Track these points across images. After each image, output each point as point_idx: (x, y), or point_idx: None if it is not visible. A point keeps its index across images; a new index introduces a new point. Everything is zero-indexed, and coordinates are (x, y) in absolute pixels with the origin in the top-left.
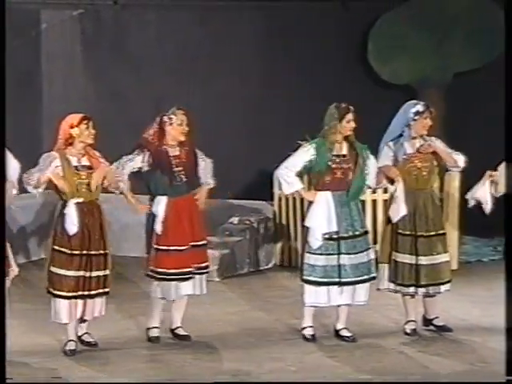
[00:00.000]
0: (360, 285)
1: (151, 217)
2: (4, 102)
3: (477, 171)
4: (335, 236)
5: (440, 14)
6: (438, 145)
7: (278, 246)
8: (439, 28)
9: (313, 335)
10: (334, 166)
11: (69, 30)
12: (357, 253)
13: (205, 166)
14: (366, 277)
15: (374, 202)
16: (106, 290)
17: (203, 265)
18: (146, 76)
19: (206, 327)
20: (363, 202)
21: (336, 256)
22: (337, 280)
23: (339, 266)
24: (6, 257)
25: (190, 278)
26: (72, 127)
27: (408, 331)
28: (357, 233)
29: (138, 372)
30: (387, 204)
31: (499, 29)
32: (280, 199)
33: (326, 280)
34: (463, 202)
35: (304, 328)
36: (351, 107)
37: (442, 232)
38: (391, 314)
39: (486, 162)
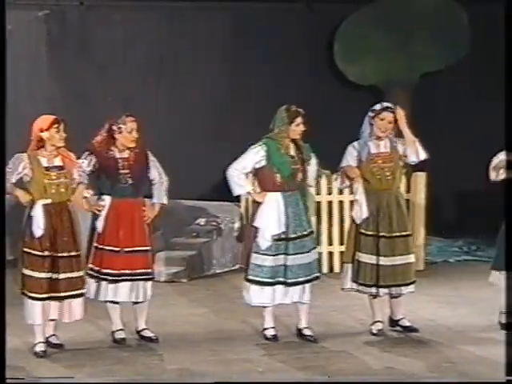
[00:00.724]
0: (306, 284)
1: (95, 215)
2: (4, 101)
3: (443, 171)
4: (284, 236)
5: (406, 14)
6: (402, 147)
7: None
8: (405, 29)
9: (274, 335)
10: (291, 167)
11: (34, 31)
12: (304, 252)
13: (160, 183)
14: (310, 277)
15: (341, 202)
16: (79, 291)
17: (141, 271)
18: (113, 77)
19: (172, 328)
20: (330, 202)
21: (284, 256)
22: (283, 280)
23: (286, 266)
24: None
25: (123, 281)
26: (42, 131)
27: (374, 332)
28: (305, 233)
29: (104, 373)
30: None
31: (464, 29)
32: (247, 200)
33: (272, 280)
34: (429, 202)
35: (265, 329)
36: (301, 110)
37: (405, 233)
38: (357, 315)
39: (451, 162)
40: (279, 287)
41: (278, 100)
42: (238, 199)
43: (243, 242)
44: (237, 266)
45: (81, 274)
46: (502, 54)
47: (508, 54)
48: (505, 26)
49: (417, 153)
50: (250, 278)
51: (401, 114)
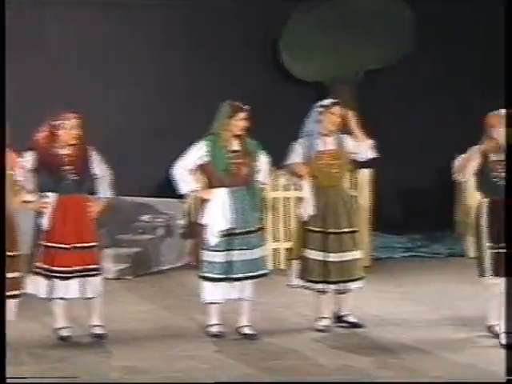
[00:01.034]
0: (250, 280)
1: (39, 214)
2: (4, 102)
3: (387, 167)
4: (230, 232)
5: (351, 12)
6: (349, 143)
7: (190, 243)
8: (350, 26)
9: (220, 332)
10: (230, 162)
11: None
12: (250, 248)
13: (104, 178)
14: (257, 272)
15: (287, 199)
16: (14, 292)
17: (91, 266)
18: (63, 74)
19: (119, 325)
20: (275, 199)
21: (230, 252)
22: (230, 276)
23: (232, 261)
24: None
25: (74, 277)
26: None
27: (320, 328)
28: (251, 229)
29: (47, 372)
30: (299, 201)
31: (408, 27)
32: (191, 197)
33: (224, 276)
34: (374, 199)
35: (210, 326)
36: (246, 107)
37: (353, 229)
38: (303, 311)
39: (396, 159)
40: (228, 283)
41: (224, 98)
42: (183, 196)
43: (194, 240)
44: (182, 263)
45: (16, 274)
46: (445, 51)
47: (508, 56)
48: (505, 26)
49: (367, 151)
50: (203, 274)
51: (350, 114)
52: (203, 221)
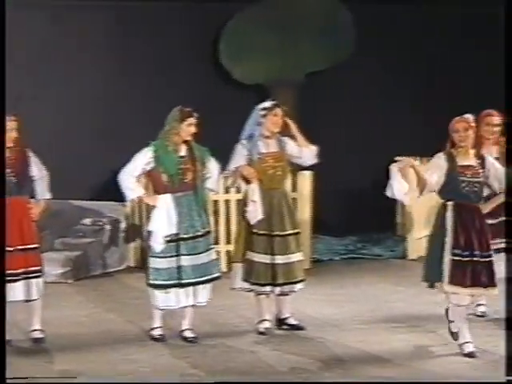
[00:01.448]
0: (201, 285)
1: None
2: (4, 102)
3: (328, 169)
4: (176, 238)
5: (292, 14)
6: (291, 145)
7: (132, 247)
8: (291, 28)
9: (162, 336)
10: (178, 167)
11: None
12: (198, 253)
13: (42, 179)
14: (207, 277)
15: (228, 201)
16: None
17: (34, 268)
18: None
19: (59, 329)
20: (216, 201)
21: (177, 257)
22: (179, 281)
23: (180, 267)
24: None
25: (20, 280)
26: None
27: (261, 330)
28: (198, 233)
29: None
30: (241, 203)
31: (349, 30)
32: (133, 200)
33: (171, 282)
34: (315, 201)
35: (153, 329)
36: (195, 113)
37: (296, 231)
38: (245, 314)
39: (336, 161)
40: (181, 289)
41: (164, 99)
42: (124, 199)
43: (137, 243)
44: (124, 266)
45: None
46: (386, 52)
47: (508, 56)
48: (505, 26)
49: (310, 157)
50: (151, 282)
51: (290, 122)
52: (149, 227)
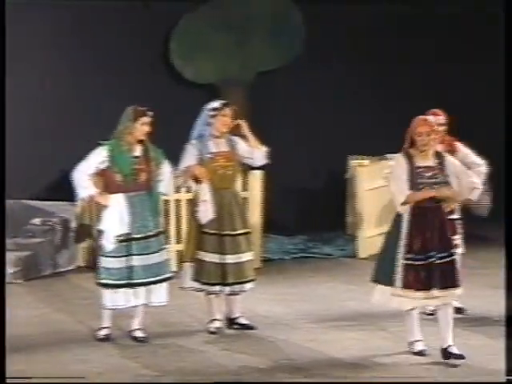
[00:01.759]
0: (157, 285)
1: None
2: (4, 102)
3: (279, 169)
4: (127, 237)
5: (242, 14)
6: (242, 145)
7: (82, 247)
8: (241, 28)
9: (108, 336)
10: (132, 167)
11: None
12: (150, 253)
13: None
14: (160, 277)
15: (178, 201)
16: None
17: None
18: None
19: (9, 330)
20: (166, 201)
21: (128, 257)
22: (130, 281)
23: (131, 267)
24: None
25: None
26: None
27: (212, 330)
28: (150, 233)
29: None
30: (191, 203)
31: (299, 29)
32: (83, 199)
33: (122, 282)
34: (266, 200)
35: (100, 329)
36: (150, 112)
37: (246, 231)
38: (195, 314)
39: (287, 160)
40: (131, 289)
41: (115, 99)
42: (75, 199)
43: (88, 243)
44: (74, 266)
45: None
46: (337, 52)
47: (508, 57)
48: (505, 26)
49: (261, 158)
50: (101, 281)
51: (242, 122)
52: (101, 226)
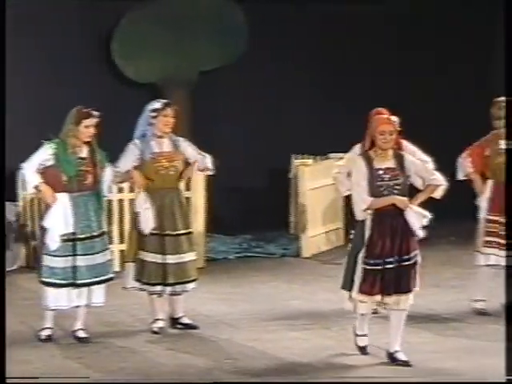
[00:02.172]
0: (97, 285)
1: None
2: (4, 101)
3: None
4: (72, 237)
5: (184, 13)
6: (187, 147)
7: (23, 247)
8: (183, 27)
9: (49, 336)
10: (77, 169)
11: None
12: (94, 253)
13: None
14: (103, 277)
15: (121, 200)
16: None
17: None
18: None
19: None
20: (110, 201)
21: (73, 257)
22: (73, 281)
23: (75, 267)
24: None
25: None
26: None
27: (155, 330)
28: (94, 233)
29: None
30: (134, 203)
31: (241, 29)
32: (25, 200)
33: (65, 282)
34: (209, 200)
35: (42, 329)
36: (95, 113)
37: (188, 231)
38: (138, 314)
39: (229, 159)
40: (73, 289)
41: (58, 99)
42: (15, 198)
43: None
44: (15, 266)
45: None
46: (281, 52)
47: (508, 57)
48: (505, 27)
49: (206, 165)
50: (44, 280)
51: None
52: (44, 224)
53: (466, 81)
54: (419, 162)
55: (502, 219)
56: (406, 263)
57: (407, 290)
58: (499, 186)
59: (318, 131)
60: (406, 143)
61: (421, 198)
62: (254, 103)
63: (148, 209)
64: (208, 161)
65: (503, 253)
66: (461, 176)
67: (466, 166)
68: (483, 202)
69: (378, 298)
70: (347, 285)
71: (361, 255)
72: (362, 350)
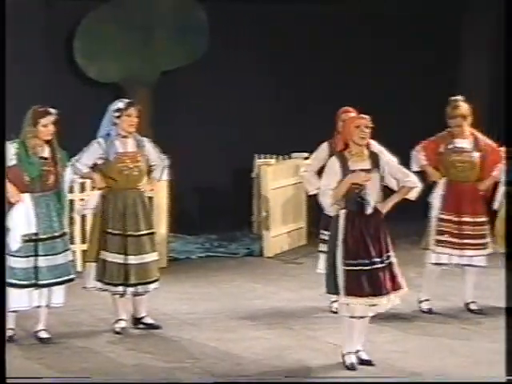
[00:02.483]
0: (57, 286)
1: None
2: (4, 100)
3: (184, 168)
4: (34, 238)
5: (146, 13)
6: (150, 149)
7: None
8: (145, 27)
9: (11, 337)
10: (39, 169)
11: None
12: (55, 254)
13: None
14: (64, 278)
15: (83, 200)
16: None
17: None
18: None
19: None
20: (71, 201)
21: (34, 258)
22: (34, 282)
23: (37, 267)
24: None
25: None
26: None
27: (117, 330)
28: (56, 234)
29: None
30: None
31: (203, 28)
32: None
33: (26, 283)
34: (171, 200)
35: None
36: (52, 110)
37: (151, 231)
38: (100, 314)
39: (193, 159)
40: (34, 289)
41: (19, 98)
42: None
43: None
44: None
45: None
46: (243, 52)
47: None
48: (505, 26)
49: (163, 171)
50: (6, 280)
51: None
52: (8, 225)
53: (420, 79)
54: (394, 163)
55: (456, 218)
56: (381, 265)
57: (394, 289)
58: (452, 184)
59: (280, 131)
60: (373, 142)
61: (394, 199)
62: (217, 103)
63: (91, 206)
64: (164, 168)
65: (457, 252)
66: (415, 167)
67: (420, 158)
68: (436, 199)
69: (369, 300)
70: (332, 288)
71: (339, 256)
72: (350, 366)
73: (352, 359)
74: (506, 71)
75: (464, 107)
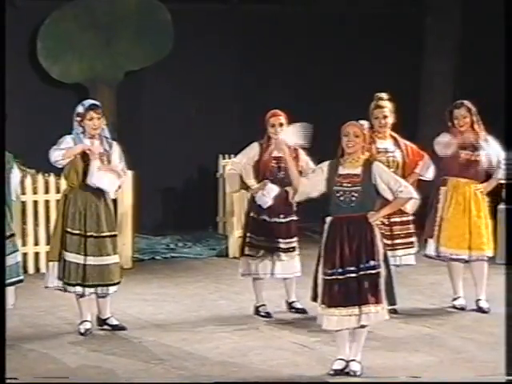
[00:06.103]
0: (7, 287)
1: None
2: (4, 100)
3: (149, 168)
4: None
5: (110, 13)
6: (115, 152)
7: None
8: (109, 27)
9: None
10: None
11: None
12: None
13: None
14: (13, 279)
15: (47, 201)
16: None
17: None
18: None
19: None
20: (23, 202)
21: None
22: None
23: None
24: None
25: None
26: None
27: (82, 331)
28: (5, 234)
29: None
30: (59, 204)
31: (167, 29)
32: None
33: None
34: (136, 200)
35: None
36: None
37: (113, 233)
38: (65, 315)
39: (158, 159)
40: None
41: None
42: None
43: None
44: None
45: None
46: (207, 52)
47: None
48: (505, 27)
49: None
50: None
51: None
52: None
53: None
54: (388, 173)
55: (385, 219)
56: (368, 272)
57: (376, 302)
58: None
59: (245, 131)
60: (300, 152)
61: (387, 210)
62: (181, 103)
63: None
64: (121, 176)
65: (389, 253)
66: None
67: None
68: None
69: (344, 310)
70: (313, 296)
71: (320, 265)
72: (336, 372)
73: (336, 366)
74: (506, 71)
75: (388, 106)
